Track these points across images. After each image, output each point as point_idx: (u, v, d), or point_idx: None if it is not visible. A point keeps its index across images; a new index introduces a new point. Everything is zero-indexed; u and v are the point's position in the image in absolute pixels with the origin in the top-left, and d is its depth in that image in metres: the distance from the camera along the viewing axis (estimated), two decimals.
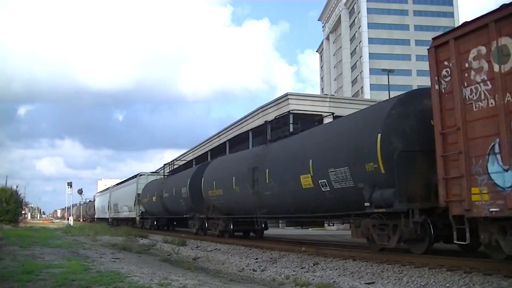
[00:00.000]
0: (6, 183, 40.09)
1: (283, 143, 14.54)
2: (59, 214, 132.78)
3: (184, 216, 22.59)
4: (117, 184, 46.44)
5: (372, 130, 9.65)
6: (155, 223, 29.70)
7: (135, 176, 35.91)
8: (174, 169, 30.17)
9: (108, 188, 50.77)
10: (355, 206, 10.33)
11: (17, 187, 40.93)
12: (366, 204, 9.78)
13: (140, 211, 31.65)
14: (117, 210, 40.20)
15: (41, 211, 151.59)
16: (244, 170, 15.49)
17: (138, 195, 32.17)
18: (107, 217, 45.08)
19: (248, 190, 15.04)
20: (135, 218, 33.32)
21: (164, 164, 39.76)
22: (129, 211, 35.43)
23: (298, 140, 13.66)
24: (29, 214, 77.74)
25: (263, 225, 16.99)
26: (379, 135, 9.31)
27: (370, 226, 10.16)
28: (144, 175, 35.03)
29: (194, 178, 20.87)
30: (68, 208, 77.60)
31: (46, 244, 15.13)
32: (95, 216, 54.59)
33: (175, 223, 29.13)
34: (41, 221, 78.40)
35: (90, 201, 70.95)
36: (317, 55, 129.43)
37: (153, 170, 39.86)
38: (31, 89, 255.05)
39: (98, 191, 79.33)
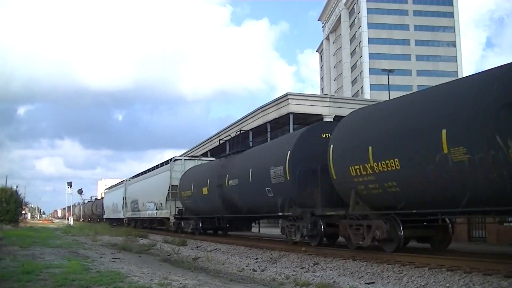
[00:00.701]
0: (6, 183, 40.19)
1: None
2: (59, 214, 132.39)
3: (279, 213, 13.76)
4: (135, 176, 36.57)
5: None
6: (200, 225, 21.44)
7: (167, 162, 26.46)
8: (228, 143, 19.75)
9: (122, 182, 40.48)
10: None
11: (17, 187, 41.01)
12: None
13: (177, 209, 23.41)
14: (137, 208, 31.98)
15: (41, 211, 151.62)
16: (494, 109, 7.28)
17: (172, 188, 24.10)
18: (122, 217, 36.55)
19: None
20: (167, 218, 25.00)
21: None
22: (157, 209, 27.04)
23: None
24: (29, 214, 77.70)
25: None
26: None
27: None
28: (180, 159, 25.80)
29: (301, 148, 12.76)
30: (70, 208, 75.16)
31: (46, 244, 15.13)
32: (104, 216, 46.23)
33: (227, 225, 21.55)
34: (41, 221, 78.36)
35: (96, 199, 64.06)
36: (317, 55, 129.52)
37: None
38: (31, 89, 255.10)
39: (98, 191, 78.42)
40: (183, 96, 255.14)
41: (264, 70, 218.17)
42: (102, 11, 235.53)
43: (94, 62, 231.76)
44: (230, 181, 16.72)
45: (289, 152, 12.91)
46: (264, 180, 14.01)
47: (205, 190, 19.04)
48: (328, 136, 12.21)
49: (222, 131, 44.53)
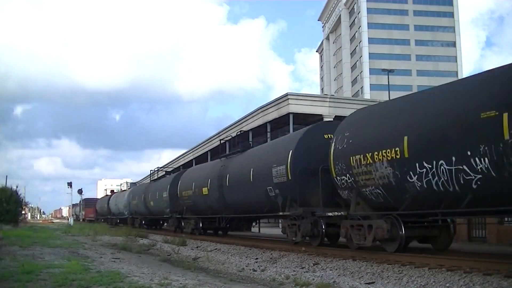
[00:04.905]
0: (6, 183, 40.14)
1: None
2: (64, 213, 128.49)
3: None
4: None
5: None
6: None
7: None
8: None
9: None
10: None
11: (17, 187, 40.87)
12: None
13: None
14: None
15: (41, 211, 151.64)
16: None
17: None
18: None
19: None
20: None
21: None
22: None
23: None
24: (29, 214, 77.61)
25: None
26: None
27: None
28: None
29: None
30: (84, 203, 59.94)
31: (46, 244, 15.12)
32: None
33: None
34: (41, 221, 78.36)
35: (168, 172, 32.39)
36: (314, 54, 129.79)
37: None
38: (27, 88, 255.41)
39: (97, 191, 76.70)
40: (180, 96, 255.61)
41: (260, 69, 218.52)
42: (98, 10, 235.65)
43: (90, 60, 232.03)
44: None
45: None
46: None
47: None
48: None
49: (222, 131, 44.49)
